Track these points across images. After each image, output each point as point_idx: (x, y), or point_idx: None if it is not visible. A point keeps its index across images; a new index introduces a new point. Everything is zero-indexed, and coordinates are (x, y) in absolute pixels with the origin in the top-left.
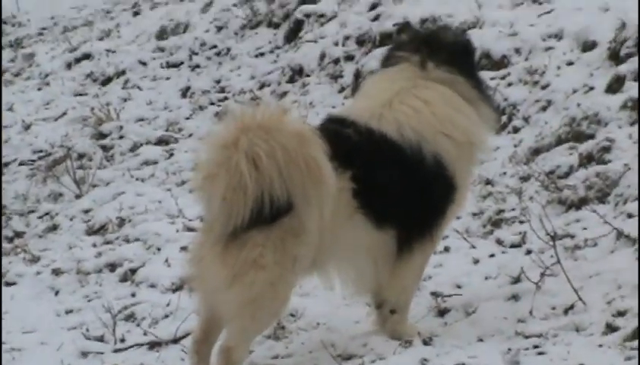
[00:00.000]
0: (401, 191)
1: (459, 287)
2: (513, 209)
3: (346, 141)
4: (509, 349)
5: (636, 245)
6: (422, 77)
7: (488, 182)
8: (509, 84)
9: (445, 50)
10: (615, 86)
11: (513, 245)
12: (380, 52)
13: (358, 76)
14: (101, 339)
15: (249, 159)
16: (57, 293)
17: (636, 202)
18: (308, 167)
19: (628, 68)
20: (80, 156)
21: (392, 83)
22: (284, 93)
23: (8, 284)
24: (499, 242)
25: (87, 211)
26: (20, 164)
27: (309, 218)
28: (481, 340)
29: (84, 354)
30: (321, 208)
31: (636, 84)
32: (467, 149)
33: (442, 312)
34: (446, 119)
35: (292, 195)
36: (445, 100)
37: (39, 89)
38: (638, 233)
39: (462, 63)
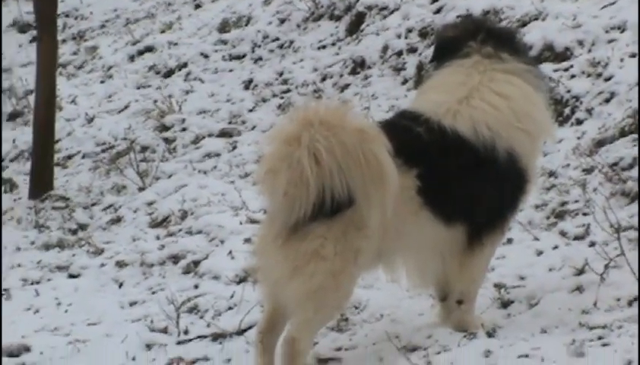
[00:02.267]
0: (472, 188)
1: (522, 278)
2: (577, 201)
3: (415, 139)
4: (573, 340)
5: None
6: (497, 69)
7: (551, 174)
8: (572, 76)
9: (509, 39)
10: None
11: (577, 237)
12: None
13: (421, 68)
14: (165, 331)
15: (311, 154)
16: (121, 285)
17: None
18: (368, 164)
19: None
20: (143, 148)
21: (468, 77)
22: (346, 86)
23: (72, 276)
24: (563, 234)
25: (150, 204)
26: (84, 157)
27: (370, 213)
28: (545, 331)
29: (148, 346)
30: (382, 204)
31: None
32: (539, 141)
33: (506, 304)
34: (524, 113)
35: (352, 190)
36: (522, 94)
37: (102, 82)
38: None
39: (526, 51)
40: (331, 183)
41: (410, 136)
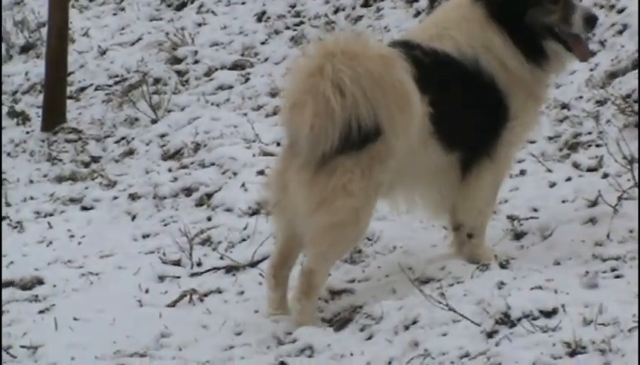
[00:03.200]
0: (467, 112)
1: (535, 210)
2: (590, 133)
3: (421, 64)
4: (587, 272)
5: None
6: (471, 5)
7: (564, 106)
8: None
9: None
10: None
11: (590, 169)
12: None
13: (433, 0)
14: (178, 263)
15: (335, 85)
16: (134, 217)
17: None
18: (394, 90)
19: None
20: (156, 81)
21: (441, 8)
22: (359, 18)
23: (85, 209)
24: (576, 165)
25: (162, 136)
26: (97, 89)
27: (397, 143)
28: (558, 263)
29: (161, 278)
30: (408, 132)
31: None
32: (508, 67)
33: (519, 236)
34: (482, 36)
35: (379, 119)
36: (481, 25)
37: (115, 14)
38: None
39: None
40: (357, 112)
41: (416, 62)
